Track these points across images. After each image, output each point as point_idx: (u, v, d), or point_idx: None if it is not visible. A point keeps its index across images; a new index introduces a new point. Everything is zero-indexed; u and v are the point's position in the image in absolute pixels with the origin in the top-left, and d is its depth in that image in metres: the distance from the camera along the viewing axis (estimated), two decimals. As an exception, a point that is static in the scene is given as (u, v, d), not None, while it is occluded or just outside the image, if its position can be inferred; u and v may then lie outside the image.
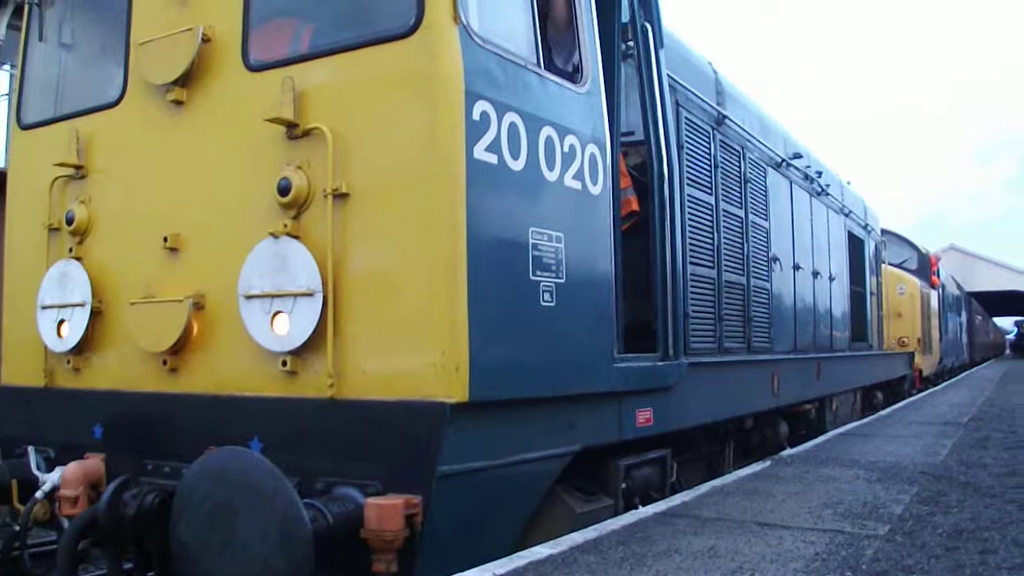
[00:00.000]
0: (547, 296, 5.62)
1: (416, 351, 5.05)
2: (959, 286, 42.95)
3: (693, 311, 8.03)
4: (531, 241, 5.54)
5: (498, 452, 5.36)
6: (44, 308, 6.63)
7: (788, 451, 10.11)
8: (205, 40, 5.98)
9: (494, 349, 5.18)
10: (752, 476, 8.12)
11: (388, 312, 5.16)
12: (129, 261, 6.32)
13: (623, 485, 6.63)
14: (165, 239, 6.03)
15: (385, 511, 4.73)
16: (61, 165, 6.62)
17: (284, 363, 5.39)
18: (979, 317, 60.55)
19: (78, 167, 6.62)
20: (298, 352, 5.36)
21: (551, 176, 5.79)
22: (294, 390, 5.41)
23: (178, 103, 6.10)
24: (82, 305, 6.42)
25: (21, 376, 6.96)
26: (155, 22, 6.29)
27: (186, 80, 6.06)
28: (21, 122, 7.26)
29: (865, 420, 14.51)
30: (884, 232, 21.43)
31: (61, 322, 6.55)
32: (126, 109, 6.48)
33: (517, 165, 5.46)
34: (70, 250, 6.60)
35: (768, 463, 8.95)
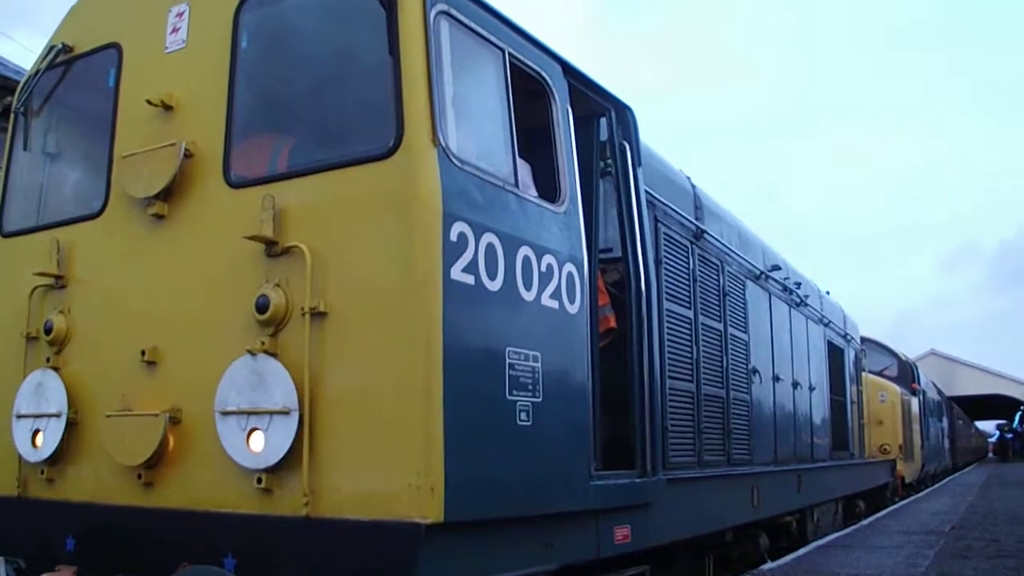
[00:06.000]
0: (523, 415, 5.61)
1: (392, 471, 5.01)
2: (940, 391, 43.02)
3: (672, 425, 8.02)
4: (508, 361, 5.55)
5: (474, 572, 5.32)
6: (19, 417, 6.56)
7: (768, 565, 10.04)
8: (187, 155, 6.03)
9: (470, 469, 5.16)
10: (731, 592, 8.06)
11: (364, 431, 5.13)
12: (106, 373, 6.28)
13: (601, 603, 6.56)
14: (143, 352, 6.01)
15: (358, 634, 4.67)
16: (41, 275, 6.62)
17: (259, 480, 5.34)
18: (960, 421, 60.52)
19: (58, 277, 6.61)
20: (273, 469, 5.31)
21: (528, 296, 5.83)
22: (269, 508, 5.35)
23: (159, 217, 6.12)
24: (58, 416, 6.35)
25: (-7, 485, 6.85)
26: (138, 135, 6.34)
27: (167, 194, 6.09)
28: (3, 230, 7.26)
29: (847, 531, 14.44)
30: (864, 340, 21.57)
31: (36, 432, 6.47)
32: (107, 221, 6.50)
33: (494, 285, 5.50)
34: (47, 360, 6.55)
35: (748, 578, 8.88)
